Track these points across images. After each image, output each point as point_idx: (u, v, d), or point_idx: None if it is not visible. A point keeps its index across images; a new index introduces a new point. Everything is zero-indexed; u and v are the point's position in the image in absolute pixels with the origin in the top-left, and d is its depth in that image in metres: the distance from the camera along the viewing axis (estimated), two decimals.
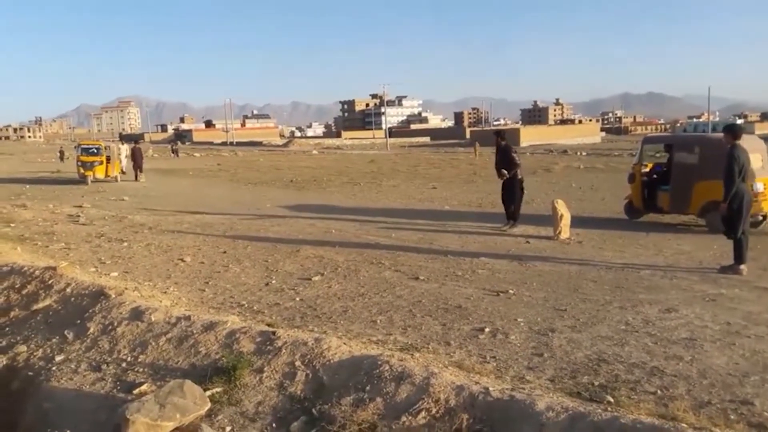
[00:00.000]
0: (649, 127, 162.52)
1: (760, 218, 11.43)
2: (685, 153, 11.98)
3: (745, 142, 10.93)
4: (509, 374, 4.64)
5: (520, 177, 12.04)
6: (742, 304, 6.54)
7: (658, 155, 13.21)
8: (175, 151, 54.89)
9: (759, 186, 10.70)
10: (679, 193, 11.81)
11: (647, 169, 13.01)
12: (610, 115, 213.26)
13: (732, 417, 3.88)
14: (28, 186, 23.21)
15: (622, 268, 8.34)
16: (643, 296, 6.86)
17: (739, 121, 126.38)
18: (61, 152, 45.78)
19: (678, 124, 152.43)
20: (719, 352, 5.07)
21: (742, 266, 7.93)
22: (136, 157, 26.60)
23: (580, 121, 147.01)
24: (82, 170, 24.70)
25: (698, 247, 9.86)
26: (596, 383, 4.44)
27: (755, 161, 10.53)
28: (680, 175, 11.77)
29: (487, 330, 5.72)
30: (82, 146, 26.71)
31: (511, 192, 11.99)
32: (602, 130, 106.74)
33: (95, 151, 25.97)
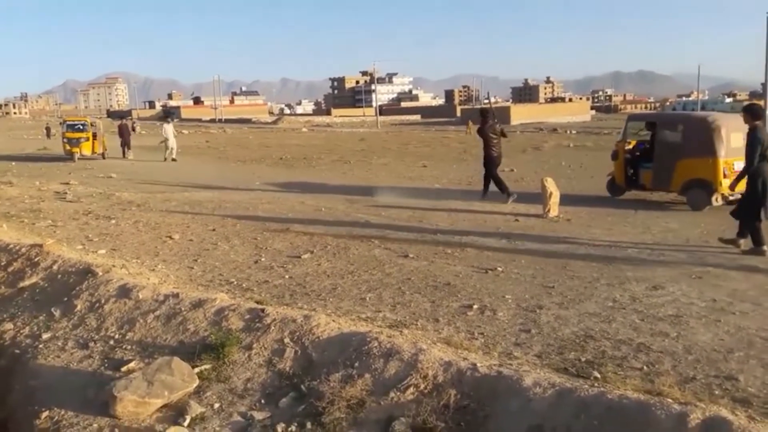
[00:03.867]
0: (638, 106, 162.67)
1: (740, 196, 10.90)
2: (669, 131, 12.11)
3: (730, 120, 11.63)
4: (497, 350, 4.67)
5: (494, 155, 12.73)
6: (728, 281, 6.61)
7: (642, 133, 13.63)
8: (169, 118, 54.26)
9: (740, 165, 10.25)
10: (661, 170, 11.92)
11: (630, 147, 13.10)
12: (600, 93, 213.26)
13: (716, 392, 3.92)
14: (14, 163, 22.92)
15: (610, 246, 8.39)
16: (630, 273, 6.90)
17: (728, 100, 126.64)
18: (48, 129, 45.26)
19: (668, 103, 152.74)
20: (705, 328, 5.12)
21: (764, 247, 7.84)
22: (123, 134, 26.22)
23: (570, 100, 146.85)
24: (68, 147, 24.18)
25: (686, 225, 9.92)
26: (583, 359, 4.47)
27: (738, 140, 10.64)
28: (663, 153, 11.89)
29: (475, 307, 5.75)
30: (68, 122, 25.99)
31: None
32: (592, 108, 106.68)
33: (81, 127, 25.21)
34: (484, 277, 6.83)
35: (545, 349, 4.69)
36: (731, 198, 10.63)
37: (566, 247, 8.34)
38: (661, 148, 12.05)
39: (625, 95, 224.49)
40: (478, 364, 4.04)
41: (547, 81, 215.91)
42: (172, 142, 24.54)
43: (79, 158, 23.67)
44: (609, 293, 6.16)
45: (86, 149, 24.46)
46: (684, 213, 11.14)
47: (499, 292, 6.25)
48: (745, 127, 11.05)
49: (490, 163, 12.84)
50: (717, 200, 11.12)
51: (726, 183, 10.55)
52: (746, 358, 4.48)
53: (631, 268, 7.19)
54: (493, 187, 12.87)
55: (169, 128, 25.01)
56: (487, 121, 12.85)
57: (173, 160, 24.01)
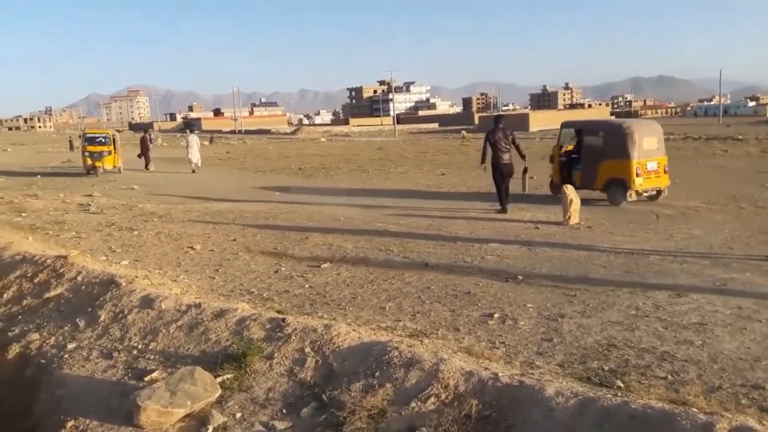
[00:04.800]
0: (659, 111, 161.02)
1: (654, 193, 13.09)
2: (592, 137, 13.48)
3: (643, 126, 13.17)
4: (518, 360, 4.64)
5: (504, 162, 12.30)
6: (754, 288, 6.50)
7: (574, 139, 14.70)
8: (211, 140, 55.24)
9: (653, 165, 12.73)
10: (587, 171, 13.28)
11: (565, 151, 14.39)
12: (620, 99, 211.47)
13: (743, 401, 3.86)
14: (39, 176, 23.32)
15: (632, 253, 8.30)
16: (653, 281, 6.82)
17: (751, 104, 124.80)
18: (71, 141, 46.06)
19: (689, 107, 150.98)
20: (730, 336, 5.04)
21: None
22: (143, 147, 26.39)
23: (589, 106, 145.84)
24: (90, 161, 23.22)
25: (709, 231, 9.79)
26: (606, 368, 4.43)
27: (650, 143, 12.72)
28: (588, 156, 13.30)
29: (496, 316, 5.72)
30: (88, 135, 24.89)
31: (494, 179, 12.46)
32: (612, 114, 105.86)
33: (103, 140, 24.08)
34: (505, 286, 6.80)
35: (567, 358, 4.65)
36: (645, 194, 12.70)
37: (587, 255, 8.26)
38: (586, 151, 13.46)
39: (645, 101, 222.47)
40: (500, 374, 4.02)
41: (566, 87, 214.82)
42: (196, 153, 24.79)
43: (102, 173, 23.09)
44: (632, 301, 6.09)
45: (109, 163, 23.63)
46: (706, 220, 10.98)
47: (520, 300, 6.21)
48: (660, 133, 11.94)
49: (497, 171, 12.33)
50: (631, 196, 12.57)
51: (639, 181, 12.45)
52: None
53: (654, 275, 7.11)
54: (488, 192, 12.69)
55: (193, 139, 25.21)
56: (497, 127, 12.52)
57: (193, 171, 24.19)
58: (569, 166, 14.00)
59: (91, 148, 23.50)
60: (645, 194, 12.82)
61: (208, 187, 18.21)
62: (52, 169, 26.89)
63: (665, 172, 13.15)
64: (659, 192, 13.19)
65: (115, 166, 23.97)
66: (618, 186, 12.75)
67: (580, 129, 14.37)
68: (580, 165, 13.56)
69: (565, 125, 15.48)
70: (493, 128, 12.58)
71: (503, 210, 12.13)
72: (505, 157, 12.32)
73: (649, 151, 12.69)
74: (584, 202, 12.47)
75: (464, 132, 50.93)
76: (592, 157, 13.13)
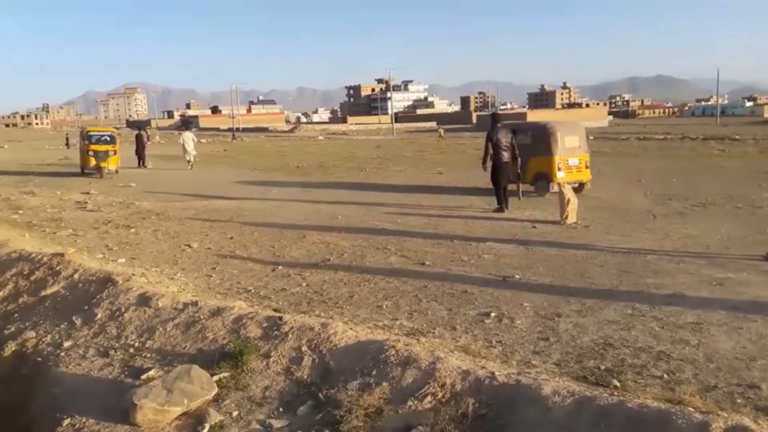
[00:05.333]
0: (656, 111, 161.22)
1: (577, 185, 14.16)
2: (523, 136, 14.42)
3: (565, 126, 14.69)
4: (515, 359, 4.64)
5: (505, 161, 12.39)
6: (750, 288, 6.52)
7: None
8: (233, 136, 55.68)
9: (574, 161, 14.33)
10: (522, 168, 13.94)
11: None
12: (618, 98, 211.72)
13: (739, 401, 3.87)
14: (36, 179, 23.22)
15: (629, 253, 8.31)
16: (649, 280, 6.84)
17: (748, 104, 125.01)
18: (67, 138, 46.00)
19: (686, 107, 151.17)
20: (726, 336, 5.06)
21: None
22: (138, 145, 26.33)
23: (587, 105, 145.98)
24: (94, 161, 21.43)
25: (705, 231, 9.81)
26: (602, 367, 4.44)
27: (572, 142, 14.31)
28: (521, 153, 13.78)
29: (492, 315, 5.72)
30: (91, 133, 22.73)
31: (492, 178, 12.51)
32: (610, 113, 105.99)
33: (108, 138, 22.38)
34: (502, 285, 6.81)
35: (564, 358, 4.66)
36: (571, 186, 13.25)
37: (584, 254, 8.28)
38: (519, 150, 13.99)
39: (642, 100, 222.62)
40: (497, 373, 4.03)
41: (564, 86, 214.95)
42: (191, 150, 24.78)
43: (107, 173, 21.41)
44: (628, 300, 6.10)
45: (113, 163, 21.90)
46: (703, 219, 11.01)
47: (517, 299, 6.22)
48: (583, 132, 13.36)
49: (498, 170, 12.35)
50: (554, 188, 13.67)
51: (560, 175, 13.90)
52: None
53: (650, 274, 7.12)
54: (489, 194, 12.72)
55: (188, 136, 25.25)
56: (497, 125, 12.64)
57: (189, 164, 24.20)
58: None
59: (95, 147, 21.87)
60: (569, 185, 13.35)
61: (206, 185, 18.18)
62: (48, 167, 26.80)
63: (587, 167, 14.69)
64: (581, 185, 14.52)
65: (116, 167, 22.52)
66: (543, 179, 14.27)
67: (515, 130, 15.18)
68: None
69: (503, 126, 15.85)
70: (494, 127, 12.62)
71: (501, 209, 12.14)
72: (506, 155, 12.42)
73: (570, 149, 14.28)
74: (519, 193, 13.88)
75: (441, 130, 51.76)
76: (523, 155, 13.95)
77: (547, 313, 5.74)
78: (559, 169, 14.00)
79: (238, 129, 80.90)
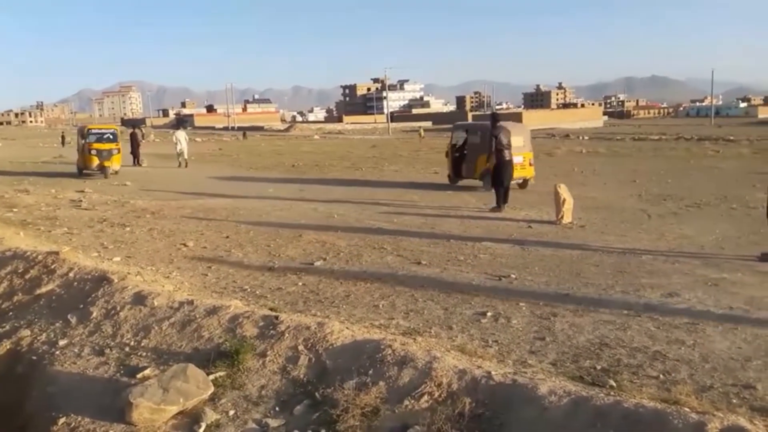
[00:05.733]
0: (651, 111, 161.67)
1: (522, 181, 15.72)
2: (473, 136, 16.36)
3: (510, 127, 14.80)
4: (511, 358, 4.65)
5: (507, 160, 12.45)
6: (745, 288, 6.54)
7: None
8: (244, 135, 55.75)
9: (519, 159, 14.85)
10: (470, 163, 16.05)
11: (456, 147, 17.04)
12: (613, 99, 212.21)
13: (734, 401, 3.89)
14: (30, 179, 23.13)
15: (624, 253, 8.33)
16: (645, 281, 6.86)
17: (743, 105, 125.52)
18: (63, 136, 45.87)
19: (681, 108, 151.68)
20: (721, 336, 5.08)
21: None
22: (133, 143, 26.34)
23: (582, 105, 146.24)
24: (98, 161, 20.43)
25: (700, 231, 9.84)
26: (598, 367, 4.45)
27: (517, 142, 14.69)
28: (470, 151, 16.15)
29: (489, 314, 5.73)
30: (93, 131, 21.50)
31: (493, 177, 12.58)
32: (605, 114, 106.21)
33: (111, 137, 21.33)
34: (498, 285, 6.81)
35: (560, 357, 4.67)
36: (513, 182, 14.13)
37: (580, 254, 8.29)
38: (469, 148, 16.30)
39: (638, 101, 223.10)
40: (493, 372, 4.03)
41: (559, 87, 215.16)
42: (184, 148, 24.83)
43: (111, 173, 20.64)
44: (624, 300, 6.12)
45: (117, 162, 21.10)
46: (698, 220, 11.05)
47: (513, 299, 6.23)
48: (527, 132, 14.96)
49: (501, 169, 12.41)
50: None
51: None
52: (764, 367, 4.44)
53: (645, 275, 7.14)
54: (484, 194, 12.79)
55: (180, 134, 25.31)
56: (497, 125, 12.70)
57: (179, 165, 24.20)
58: (458, 160, 16.78)
59: (98, 145, 20.75)
60: (513, 182, 14.38)
61: (201, 184, 18.15)
62: (44, 165, 26.68)
63: (530, 164, 16.01)
64: (525, 180, 15.98)
65: (120, 166, 21.75)
66: (489, 175, 14.47)
67: (467, 130, 17.42)
68: (465, 159, 16.47)
69: (456, 127, 18.47)
70: (495, 126, 12.66)
71: (498, 209, 12.16)
72: (507, 155, 12.48)
73: (515, 148, 14.49)
74: (469, 187, 14.83)
75: (421, 129, 53.61)
76: (473, 152, 15.95)
77: (543, 313, 5.75)
78: None
79: (233, 128, 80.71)
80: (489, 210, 12.27)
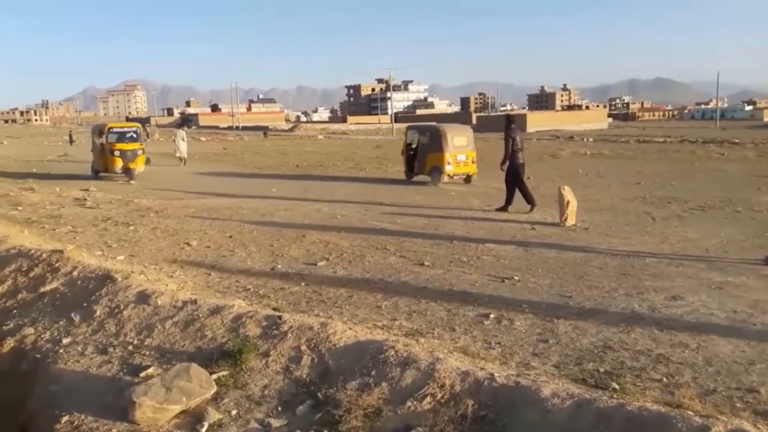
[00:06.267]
0: (656, 113, 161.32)
1: (465, 177, 17.84)
2: (423, 136, 18.43)
3: (455, 129, 18.39)
4: (514, 360, 4.64)
5: (519, 162, 12.40)
6: (749, 292, 6.52)
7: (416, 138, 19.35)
8: (265, 133, 55.97)
9: (462, 157, 17.46)
10: (421, 161, 18.19)
11: (409, 146, 19.06)
12: (618, 101, 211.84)
13: (738, 405, 3.87)
14: (35, 170, 23.22)
15: (628, 255, 8.31)
16: (648, 283, 6.84)
17: (748, 108, 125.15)
18: (71, 135, 46.14)
19: (686, 110, 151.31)
20: (725, 340, 5.06)
21: None
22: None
23: (587, 107, 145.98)
24: (121, 162, 18.95)
25: (704, 234, 9.82)
26: (602, 370, 4.44)
27: (461, 142, 17.53)
28: (421, 150, 18.29)
29: (492, 316, 5.72)
30: (115, 129, 19.81)
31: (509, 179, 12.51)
32: (609, 116, 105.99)
33: (134, 135, 19.81)
34: (501, 286, 6.81)
35: (563, 360, 4.66)
36: (456, 177, 17.61)
37: (584, 256, 8.28)
38: (420, 147, 18.41)
39: (642, 103, 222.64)
40: (496, 374, 4.02)
41: (564, 88, 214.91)
42: (183, 147, 25.18)
43: (136, 175, 19.34)
44: (627, 303, 6.10)
45: (141, 164, 19.73)
46: (702, 223, 11.02)
47: (516, 301, 6.22)
48: (470, 133, 17.95)
49: (518, 172, 12.39)
50: (443, 179, 17.38)
51: (449, 168, 17.28)
52: None
53: (649, 277, 7.12)
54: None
55: (179, 133, 25.63)
56: (512, 126, 12.58)
57: (183, 164, 24.41)
58: (412, 158, 18.74)
59: (121, 145, 19.19)
60: (456, 177, 17.70)
61: (205, 183, 18.19)
62: (49, 163, 26.74)
63: (473, 162, 17.84)
64: (469, 177, 17.89)
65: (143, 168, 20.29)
66: (436, 171, 17.51)
67: (419, 131, 19.30)
68: (417, 157, 18.42)
69: (410, 128, 20.50)
70: (509, 128, 12.55)
71: (504, 209, 12.15)
72: (520, 157, 12.44)
73: (459, 147, 17.45)
74: (419, 182, 15.48)
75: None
76: (423, 151, 18.17)
77: (547, 315, 5.74)
78: (448, 163, 17.28)
79: (237, 127, 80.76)
80: (495, 210, 12.27)
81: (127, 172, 19.13)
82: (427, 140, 18.04)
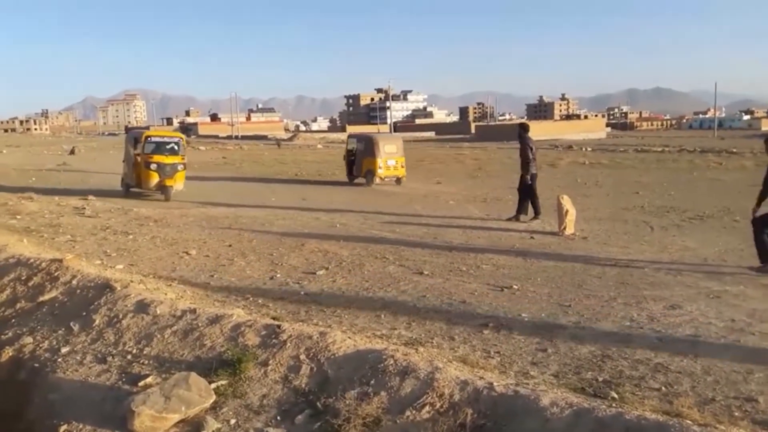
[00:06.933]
0: (654, 123, 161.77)
1: (395, 179, 20.92)
2: (359, 144, 21.52)
3: (386, 138, 22.33)
4: (513, 369, 4.65)
5: (532, 172, 12.36)
6: (747, 301, 6.53)
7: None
8: (278, 145, 56.14)
9: (392, 162, 20.67)
10: (358, 165, 21.27)
11: (350, 152, 22.13)
12: (616, 110, 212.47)
13: (736, 414, 3.88)
14: (34, 179, 23.23)
15: (627, 265, 8.33)
16: (647, 292, 6.85)
17: (746, 117, 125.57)
18: (72, 149, 45.96)
19: (684, 120, 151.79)
20: (723, 349, 5.06)
21: None
22: None
23: (585, 117, 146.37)
24: (158, 178, 16.06)
25: (703, 244, 9.84)
26: (600, 379, 4.44)
27: (390, 149, 20.80)
28: (358, 156, 21.38)
29: (491, 325, 5.73)
30: (153, 139, 16.89)
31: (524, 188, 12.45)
32: (608, 125, 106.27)
33: (176, 147, 16.89)
34: (500, 295, 6.81)
35: (562, 369, 4.66)
36: (387, 180, 20.71)
37: (582, 265, 8.29)
38: (358, 153, 21.46)
39: (641, 112, 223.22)
40: (495, 383, 4.03)
41: (562, 98, 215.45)
42: None
43: (174, 194, 16.41)
44: (626, 312, 6.11)
45: (181, 180, 16.71)
46: (701, 232, 11.04)
47: (515, 310, 6.23)
48: (400, 141, 22.04)
49: (532, 181, 12.35)
50: (376, 180, 20.48)
51: (381, 172, 20.40)
52: (766, 380, 4.42)
53: (648, 286, 7.13)
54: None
55: None
56: (526, 135, 12.55)
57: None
58: (351, 163, 21.79)
59: (159, 158, 16.27)
60: (387, 179, 20.75)
61: (204, 192, 18.17)
62: (47, 172, 26.74)
63: (402, 167, 21.06)
64: (399, 179, 21.03)
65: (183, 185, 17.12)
66: (370, 174, 20.61)
67: (357, 139, 22.21)
68: (355, 162, 21.43)
69: (350, 136, 23.73)
70: (524, 137, 12.54)
71: (516, 218, 12.20)
72: (534, 167, 12.43)
73: (389, 153, 20.66)
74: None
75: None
76: (360, 157, 21.18)
77: (546, 324, 5.75)
78: (380, 167, 20.39)
79: (236, 137, 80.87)
80: (505, 220, 12.27)
81: (164, 189, 16.22)
82: (363, 147, 21.16)
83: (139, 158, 16.55)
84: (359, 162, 21.16)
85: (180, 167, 16.53)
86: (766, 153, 7.84)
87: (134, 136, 17.89)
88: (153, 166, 16.04)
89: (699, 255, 9.01)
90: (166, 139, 17.23)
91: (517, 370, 4.64)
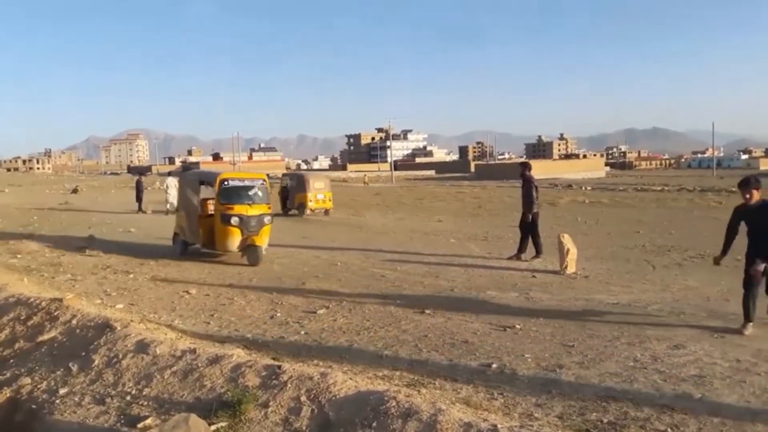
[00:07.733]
0: (653, 162, 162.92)
1: (324, 211, 24.01)
2: (291, 180, 25.12)
3: (315, 176, 25.99)
4: (517, 411, 4.59)
5: (534, 211, 12.41)
6: (752, 341, 6.48)
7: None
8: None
9: (321, 195, 23.84)
10: (292, 199, 24.53)
11: (284, 188, 25.56)
12: (615, 150, 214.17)
13: None
14: (36, 217, 23.28)
15: (630, 304, 8.29)
16: (650, 332, 6.80)
17: (744, 157, 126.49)
18: (75, 189, 46.25)
19: (682, 159, 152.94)
20: (729, 389, 5.01)
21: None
22: (139, 190, 26.90)
23: (584, 156, 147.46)
24: (240, 236, 11.89)
25: (705, 283, 9.80)
26: (605, 420, 4.38)
27: (319, 185, 24.10)
28: (291, 191, 24.73)
29: (494, 366, 5.67)
30: (229, 182, 12.33)
31: (525, 226, 12.44)
32: (606, 164, 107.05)
33: (260, 194, 12.64)
34: (503, 335, 6.76)
35: (566, 410, 4.60)
36: (316, 211, 23.84)
37: (585, 305, 8.25)
38: (291, 189, 24.70)
39: (639, 152, 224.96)
40: (499, 426, 3.97)
41: (561, 137, 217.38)
42: (173, 196, 24.77)
43: (263, 254, 12.21)
44: (630, 352, 6.06)
45: (267, 235, 12.49)
46: (703, 271, 11.01)
47: (518, 350, 6.17)
48: (327, 179, 25.74)
49: (534, 220, 12.39)
50: (307, 212, 23.56)
51: (311, 204, 23.56)
52: None
53: (651, 326, 7.09)
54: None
55: (171, 182, 25.30)
56: (529, 174, 12.58)
57: (166, 213, 23.92)
58: (285, 197, 25.02)
59: (241, 208, 12.07)
60: (316, 211, 23.88)
61: None
62: (49, 211, 26.80)
63: (329, 200, 24.28)
64: (327, 211, 24.09)
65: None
66: (302, 206, 23.70)
67: (290, 177, 25.73)
68: (289, 197, 24.65)
69: (285, 175, 28.03)
70: (530, 176, 12.57)
71: (517, 257, 12.19)
72: (535, 206, 12.45)
73: (318, 188, 23.95)
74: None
75: (366, 176, 65.67)
76: (292, 192, 24.47)
77: (549, 365, 5.70)
78: (310, 201, 23.45)
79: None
80: (507, 258, 12.25)
81: (249, 251, 12.09)
82: (295, 184, 24.42)
83: (210, 208, 12.89)
84: (292, 196, 24.45)
85: (267, 220, 12.43)
86: (742, 198, 7.66)
87: (199, 177, 13.67)
88: (234, 220, 11.87)
89: (702, 294, 8.97)
90: (247, 183, 12.64)
91: (521, 411, 4.58)
